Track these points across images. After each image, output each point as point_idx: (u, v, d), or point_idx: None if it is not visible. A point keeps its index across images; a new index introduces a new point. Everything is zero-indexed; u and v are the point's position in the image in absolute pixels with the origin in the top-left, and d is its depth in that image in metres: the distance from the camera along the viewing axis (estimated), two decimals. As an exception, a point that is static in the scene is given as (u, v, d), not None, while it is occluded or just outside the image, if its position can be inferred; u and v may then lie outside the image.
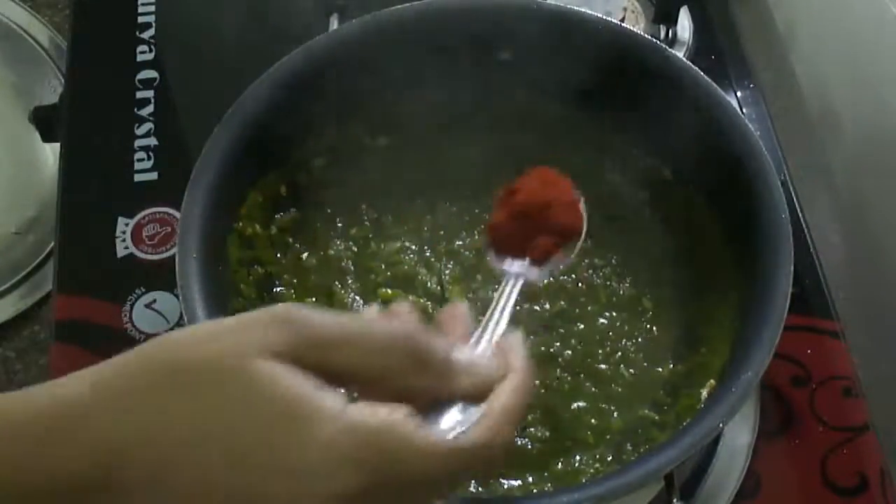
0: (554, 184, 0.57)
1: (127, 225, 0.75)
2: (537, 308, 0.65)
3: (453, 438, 0.36)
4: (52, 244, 0.78)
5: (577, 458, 0.59)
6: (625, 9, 0.85)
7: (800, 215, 0.75)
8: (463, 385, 0.37)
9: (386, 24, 0.66)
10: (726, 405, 0.51)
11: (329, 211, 0.68)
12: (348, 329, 0.35)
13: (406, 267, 0.66)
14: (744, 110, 0.81)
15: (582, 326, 0.64)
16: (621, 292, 0.65)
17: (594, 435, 0.60)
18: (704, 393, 0.57)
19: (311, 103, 0.65)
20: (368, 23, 0.66)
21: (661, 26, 0.85)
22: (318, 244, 0.67)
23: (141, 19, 0.88)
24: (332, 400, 0.33)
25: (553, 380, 0.62)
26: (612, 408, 0.61)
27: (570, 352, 0.63)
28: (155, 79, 0.84)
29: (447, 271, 0.65)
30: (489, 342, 0.43)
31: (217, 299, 0.57)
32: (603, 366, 0.62)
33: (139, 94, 0.83)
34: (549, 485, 0.58)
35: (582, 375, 0.62)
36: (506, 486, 0.58)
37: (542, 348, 0.63)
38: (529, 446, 0.59)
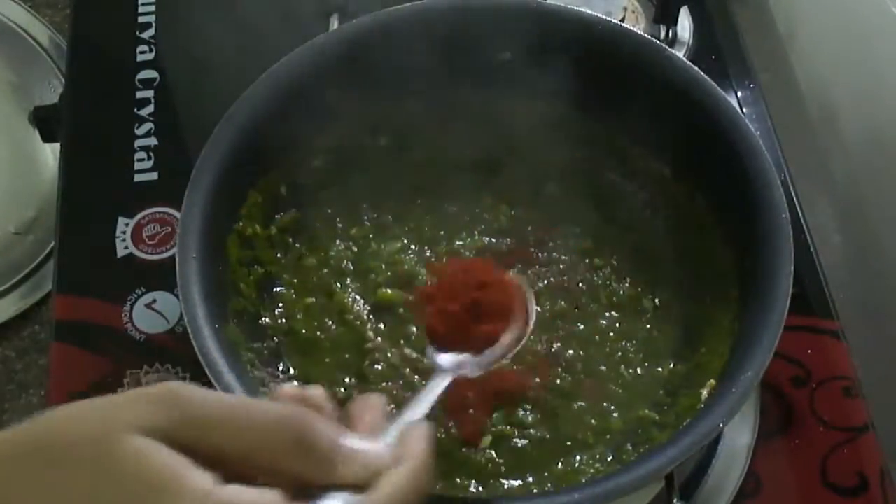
0: (477, 270, 0.58)
1: (127, 225, 0.75)
2: (537, 308, 0.64)
3: None
4: (52, 244, 0.78)
5: (577, 458, 0.59)
6: (625, 9, 0.85)
7: (800, 215, 0.75)
8: (347, 472, 0.36)
9: (386, 24, 0.66)
10: (726, 405, 0.51)
11: (329, 211, 0.68)
12: (228, 408, 0.34)
13: (406, 267, 0.66)
14: (744, 110, 0.81)
15: (582, 326, 0.64)
16: (621, 292, 0.65)
17: (594, 435, 0.60)
18: (704, 393, 0.57)
19: (311, 103, 0.65)
20: (368, 23, 0.66)
21: (661, 26, 0.85)
22: (318, 244, 0.67)
23: (141, 19, 0.88)
24: (199, 478, 0.32)
25: (553, 380, 0.62)
26: (612, 408, 0.61)
27: (570, 352, 0.63)
28: (155, 79, 0.84)
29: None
30: (397, 432, 0.41)
31: (217, 299, 0.57)
32: (603, 366, 0.62)
33: (139, 94, 0.83)
34: (549, 485, 0.58)
35: (582, 375, 0.62)
36: (506, 486, 0.58)
37: (543, 348, 0.63)
38: (529, 446, 0.59)
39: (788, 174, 0.77)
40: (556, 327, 0.64)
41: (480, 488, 0.58)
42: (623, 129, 0.68)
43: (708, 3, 0.88)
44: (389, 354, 0.62)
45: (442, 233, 0.68)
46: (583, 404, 0.61)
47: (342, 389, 0.61)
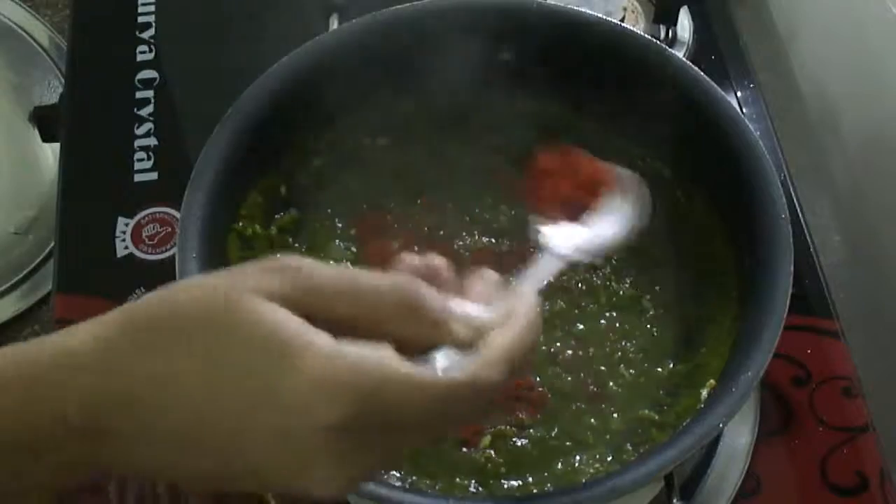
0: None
1: (127, 225, 0.75)
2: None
3: (444, 373, 0.35)
4: (52, 244, 0.78)
5: (577, 458, 0.59)
6: (625, 9, 0.85)
7: (800, 215, 0.75)
8: (454, 332, 0.37)
9: (386, 24, 0.66)
10: (726, 405, 0.51)
11: (329, 211, 0.68)
12: (344, 277, 0.35)
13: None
14: (744, 110, 0.81)
15: (582, 326, 0.64)
16: (621, 292, 0.65)
17: (594, 435, 0.60)
18: (704, 393, 0.57)
19: (311, 103, 0.65)
20: (368, 23, 0.66)
21: (661, 26, 0.85)
22: (318, 244, 0.67)
23: (141, 19, 0.88)
24: (322, 337, 0.33)
25: (553, 380, 0.62)
26: (612, 408, 0.61)
27: (570, 352, 0.63)
28: (155, 79, 0.84)
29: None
30: (506, 300, 0.41)
31: (217, 299, 0.57)
32: (603, 366, 0.62)
33: (139, 94, 0.83)
34: (549, 485, 0.58)
35: (582, 375, 0.62)
36: (506, 486, 0.58)
37: (542, 348, 0.63)
38: (529, 446, 0.59)
39: (788, 174, 0.77)
40: (555, 327, 0.64)
41: (480, 488, 0.58)
42: (623, 129, 0.68)
43: (708, 3, 0.88)
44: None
45: (442, 233, 0.68)
46: (582, 404, 0.61)
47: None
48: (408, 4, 0.66)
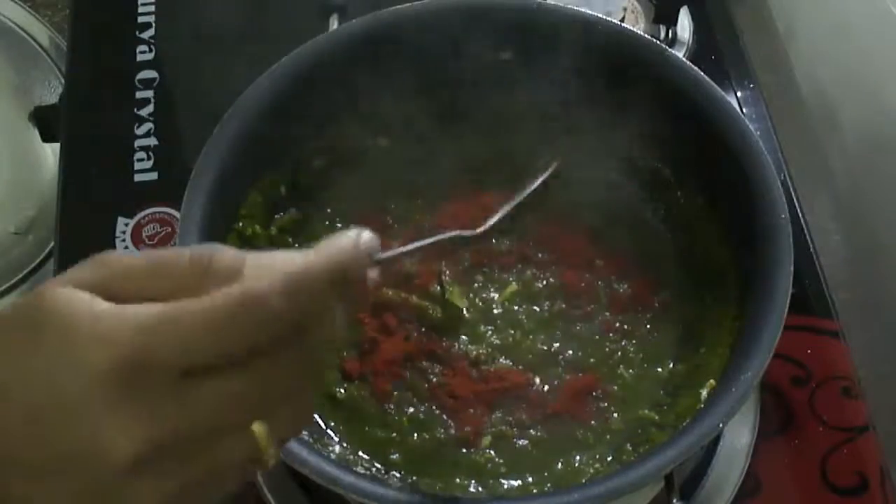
0: None
1: (127, 225, 0.75)
2: (537, 308, 0.65)
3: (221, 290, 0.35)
4: (52, 244, 0.78)
5: (577, 458, 0.59)
6: (625, 9, 0.85)
7: (800, 215, 0.75)
8: (254, 275, 0.36)
9: (386, 24, 0.66)
10: (726, 405, 0.51)
11: (329, 211, 0.68)
12: (149, 257, 0.36)
13: (406, 267, 0.66)
14: (744, 110, 0.81)
15: (582, 326, 0.64)
16: (621, 292, 0.65)
17: (594, 435, 0.60)
18: (704, 393, 0.57)
19: (311, 103, 0.65)
20: (369, 23, 0.66)
21: (661, 26, 0.85)
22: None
23: (141, 19, 0.88)
24: (103, 304, 0.34)
25: (553, 379, 0.62)
26: (612, 408, 0.61)
27: (570, 352, 0.63)
28: (155, 79, 0.84)
29: (447, 271, 0.65)
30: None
31: (217, 299, 0.57)
32: (603, 366, 0.62)
33: (139, 94, 0.83)
34: (549, 485, 0.58)
35: (581, 375, 0.62)
36: (506, 486, 0.58)
37: (543, 348, 0.63)
38: (529, 446, 0.59)
39: (788, 174, 0.77)
40: (555, 327, 0.64)
41: (480, 488, 0.58)
42: (623, 129, 0.68)
43: (708, 3, 0.88)
44: (389, 354, 0.62)
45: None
46: (582, 405, 0.61)
47: (342, 390, 0.61)
48: (408, 4, 0.66)
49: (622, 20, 0.83)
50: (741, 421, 0.66)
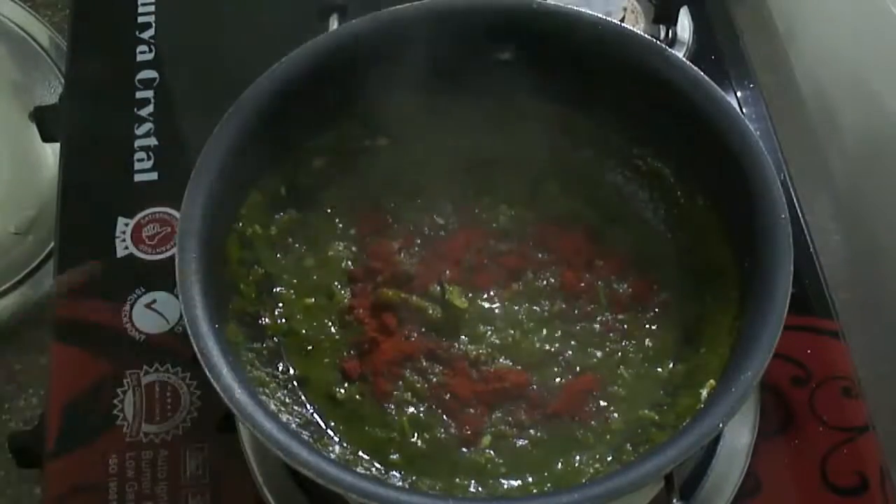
0: None
1: (127, 225, 0.76)
2: (537, 308, 0.65)
3: None
4: (52, 244, 0.78)
5: (577, 458, 0.59)
6: (625, 9, 0.85)
7: (800, 215, 0.75)
8: None
9: (386, 24, 0.66)
10: (726, 405, 0.51)
11: (329, 211, 0.68)
12: None
13: (406, 267, 0.66)
14: (744, 110, 0.81)
15: (582, 326, 0.64)
16: (621, 292, 0.65)
17: (594, 435, 0.60)
18: (704, 393, 0.57)
19: (311, 103, 0.65)
20: (368, 23, 0.66)
21: (661, 26, 0.85)
22: (318, 244, 0.67)
23: (141, 19, 0.88)
24: None
25: (553, 379, 0.62)
26: (612, 408, 0.61)
27: (570, 352, 0.63)
28: (155, 79, 0.84)
29: (447, 271, 0.65)
30: None
31: (217, 299, 0.57)
32: (603, 366, 0.62)
33: (139, 95, 0.83)
34: (549, 485, 0.58)
35: (581, 375, 0.62)
36: (506, 486, 0.58)
37: (543, 348, 0.63)
38: (529, 446, 0.59)
39: (788, 174, 0.77)
40: (555, 327, 0.64)
41: (480, 488, 0.58)
42: (623, 129, 0.68)
43: (708, 3, 0.88)
44: (389, 354, 0.62)
45: (442, 233, 0.68)
46: (582, 405, 0.61)
47: (342, 390, 0.62)
48: (408, 4, 0.66)
49: (622, 20, 0.83)
50: (741, 421, 0.66)
